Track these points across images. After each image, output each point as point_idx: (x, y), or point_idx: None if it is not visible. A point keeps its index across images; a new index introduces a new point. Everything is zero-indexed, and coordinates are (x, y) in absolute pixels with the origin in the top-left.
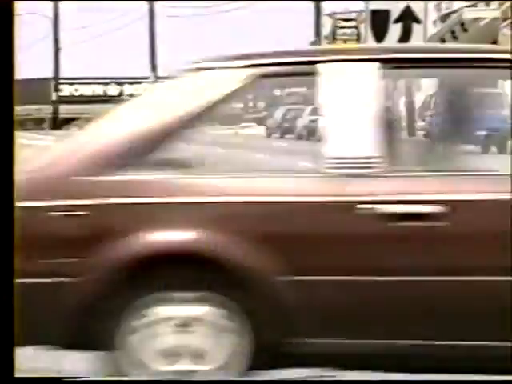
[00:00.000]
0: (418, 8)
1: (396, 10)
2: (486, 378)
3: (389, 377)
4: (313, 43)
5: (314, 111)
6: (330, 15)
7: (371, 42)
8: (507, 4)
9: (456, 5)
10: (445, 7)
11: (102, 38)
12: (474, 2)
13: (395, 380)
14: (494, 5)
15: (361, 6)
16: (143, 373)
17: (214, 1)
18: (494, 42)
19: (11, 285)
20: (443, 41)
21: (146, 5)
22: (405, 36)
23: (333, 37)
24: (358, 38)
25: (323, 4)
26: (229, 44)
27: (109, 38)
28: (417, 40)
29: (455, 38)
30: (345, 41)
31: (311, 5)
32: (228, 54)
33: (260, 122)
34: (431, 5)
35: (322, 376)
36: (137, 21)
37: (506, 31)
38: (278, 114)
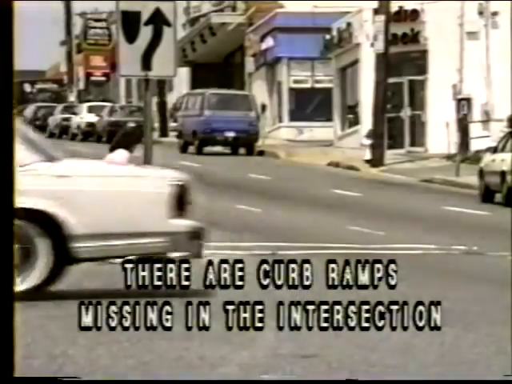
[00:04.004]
0: (167, 10)
1: (146, 11)
2: (485, 379)
3: (389, 377)
4: (63, 43)
5: (66, 109)
6: (81, 15)
7: (123, 43)
8: (252, 9)
9: (204, 9)
10: (193, 11)
11: None
12: (221, 6)
13: (395, 380)
14: (239, 10)
15: (111, 6)
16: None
17: None
18: (241, 47)
19: (11, 286)
20: (193, 43)
21: None
22: (156, 38)
23: (84, 37)
24: (110, 39)
25: (73, 3)
26: None
27: None
28: (168, 43)
29: (204, 42)
30: (96, 41)
31: (61, 4)
32: None
33: None
34: (180, 8)
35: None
36: None
37: (252, 36)
38: (29, 111)
